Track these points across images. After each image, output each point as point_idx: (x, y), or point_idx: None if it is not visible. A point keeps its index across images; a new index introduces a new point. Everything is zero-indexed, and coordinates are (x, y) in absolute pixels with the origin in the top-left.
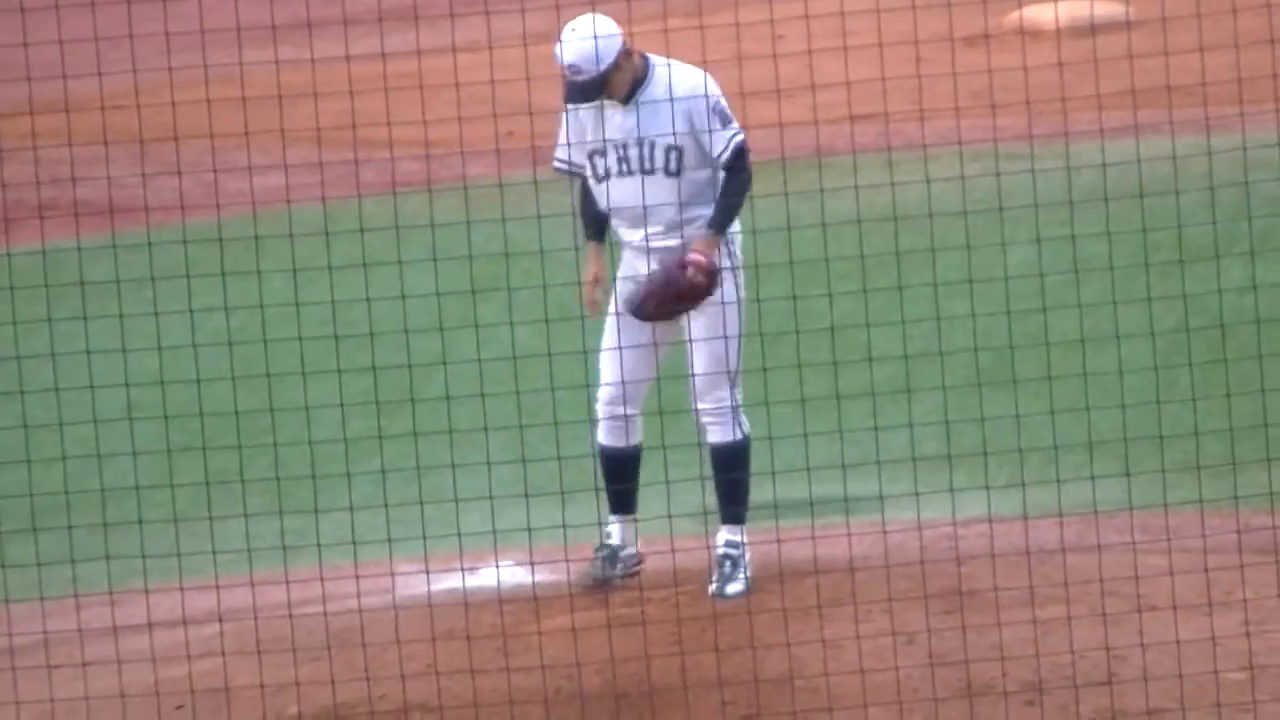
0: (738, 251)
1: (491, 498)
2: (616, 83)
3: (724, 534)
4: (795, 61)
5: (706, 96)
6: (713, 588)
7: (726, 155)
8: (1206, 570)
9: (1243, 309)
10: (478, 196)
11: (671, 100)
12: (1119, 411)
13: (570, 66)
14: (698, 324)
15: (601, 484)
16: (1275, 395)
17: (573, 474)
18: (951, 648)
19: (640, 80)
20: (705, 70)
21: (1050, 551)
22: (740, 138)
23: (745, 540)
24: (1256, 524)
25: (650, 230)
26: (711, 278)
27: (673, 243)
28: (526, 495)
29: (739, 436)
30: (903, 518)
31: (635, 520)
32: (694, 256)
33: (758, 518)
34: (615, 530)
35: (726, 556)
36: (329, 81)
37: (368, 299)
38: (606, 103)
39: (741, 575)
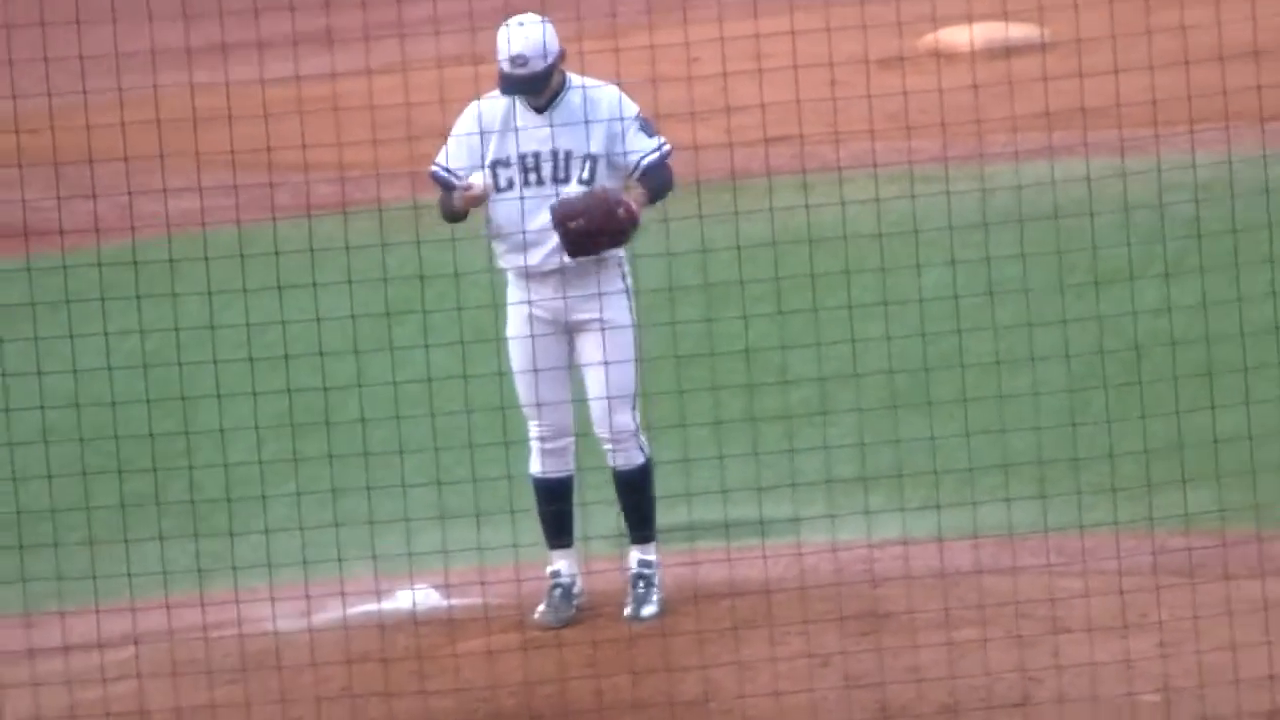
0: (627, 272)
1: (407, 520)
2: (549, 90)
3: (635, 554)
4: (710, 84)
5: (625, 115)
6: (628, 610)
7: (655, 157)
8: (1122, 592)
9: (1157, 331)
10: (392, 219)
11: (596, 118)
12: (1034, 433)
13: (517, 57)
14: (591, 348)
15: (537, 515)
16: (1190, 417)
17: (488, 497)
18: (867, 670)
19: (558, 91)
20: (621, 88)
21: (965, 573)
22: (668, 147)
23: (658, 559)
24: (1172, 545)
25: (549, 249)
26: (635, 225)
27: (574, 264)
28: (442, 518)
29: (641, 460)
30: (818, 540)
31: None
32: (630, 201)
33: (673, 540)
34: (563, 565)
35: (640, 576)
36: (244, 104)
37: (283, 321)
38: (518, 110)
39: (655, 596)
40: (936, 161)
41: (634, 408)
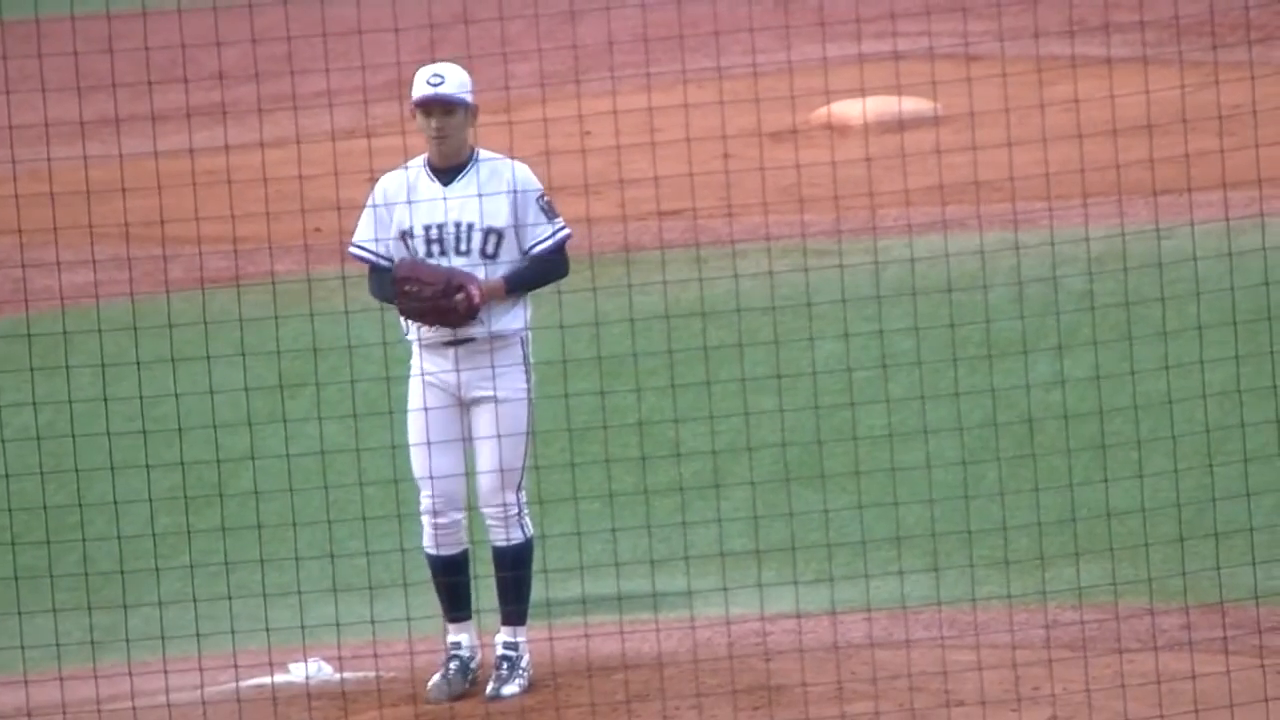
0: (529, 351)
1: (300, 593)
2: (457, 135)
3: (503, 634)
4: (603, 157)
5: (530, 190)
6: (489, 689)
7: (547, 245)
8: (1015, 665)
9: (1050, 404)
10: (285, 292)
11: (503, 190)
12: (927, 506)
13: (434, 76)
14: (484, 423)
15: (433, 587)
16: (1083, 490)
17: (381, 570)
18: None
19: (464, 163)
20: (527, 165)
21: (858, 647)
22: (566, 232)
23: (524, 642)
24: (1064, 619)
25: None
26: (470, 316)
27: (476, 335)
28: (335, 590)
29: (521, 538)
30: (711, 613)
31: (472, 620)
32: (474, 289)
33: (565, 613)
34: (463, 638)
35: (504, 658)
36: (137, 177)
37: (176, 394)
38: (423, 182)
39: (518, 677)
40: (829, 235)
41: (521, 485)
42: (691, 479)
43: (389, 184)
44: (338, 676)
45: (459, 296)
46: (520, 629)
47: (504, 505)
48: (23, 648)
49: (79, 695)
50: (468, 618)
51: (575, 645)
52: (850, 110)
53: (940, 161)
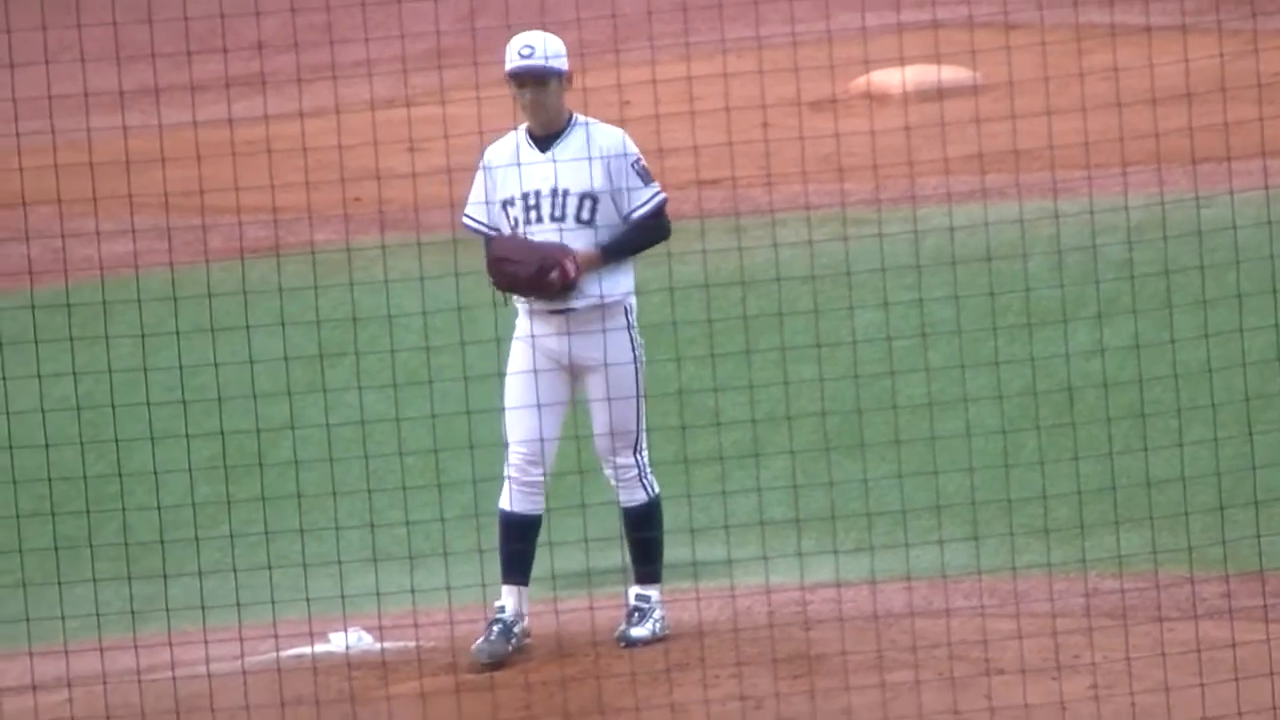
0: (633, 317)
1: (340, 562)
2: (551, 104)
3: (634, 589)
4: (642, 126)
5: (626, 155)
6: (619, 630)
7: (646, 210)
8: (1055, 634)
9: (1089, 372)
10: (325, 262)
11: (597, 155)
12: (967, 475)
13: (527, 44)
14: (597, 385)
15: (497, 550)
16: (1122, 458)
17: (420, 538)
18: (800, 712)
19: (561, 130)
20: (624, 129)
21: (898, 616)
22: (662, 196)
23: (657, 596)
24: (1104, 587)
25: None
26: (567, 291)
27: (579, 305)
28: (375, 560)
29: (646, 498)
30: (751, 582)
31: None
32: (569, 264)
33: (606, 582)
34: (510, 603)
35: (636, 609)
36: (176, 147)
37: (215, 364)
38: (523, 150)
39: (649, 625)
40: (869, 204)
41: (637, 447)
42: (731, 448)
43: (493, 153)
44: (378, 646)
45: (554, 275)
46: (652, 586)
47: (622, 466)
48: (63, 618)
49: (119, 665)
50: (522, 584)
51: (615, 614)
52: (889, 79)
53: (979, 130)
